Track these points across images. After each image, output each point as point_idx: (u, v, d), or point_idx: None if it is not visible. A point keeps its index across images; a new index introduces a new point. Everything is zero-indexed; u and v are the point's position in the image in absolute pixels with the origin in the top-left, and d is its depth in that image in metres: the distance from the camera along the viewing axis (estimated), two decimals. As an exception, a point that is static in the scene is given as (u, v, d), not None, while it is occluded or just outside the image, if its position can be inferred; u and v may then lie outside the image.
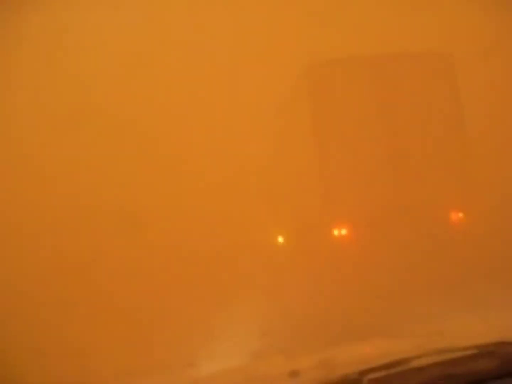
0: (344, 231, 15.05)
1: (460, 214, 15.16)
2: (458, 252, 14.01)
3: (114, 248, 15.00)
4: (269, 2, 16.23)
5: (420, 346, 4.87)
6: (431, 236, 14.55)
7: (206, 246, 15.33)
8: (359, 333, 8.90)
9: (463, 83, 15.48)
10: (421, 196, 14.90)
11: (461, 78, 15.51)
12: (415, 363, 4.51)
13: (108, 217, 15.60)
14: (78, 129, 16.18)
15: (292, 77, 16.08)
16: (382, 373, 4.59)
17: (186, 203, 16.21)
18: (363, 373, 4.64)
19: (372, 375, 4.58)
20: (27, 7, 15.31)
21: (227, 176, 16.31)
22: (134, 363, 8.89)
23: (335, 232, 15.12)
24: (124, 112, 16.70)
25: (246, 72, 16.43)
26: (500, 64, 15.82)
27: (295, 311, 12.32)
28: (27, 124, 16.16)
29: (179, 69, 16.92)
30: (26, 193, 15.78)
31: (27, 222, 15.35)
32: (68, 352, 9.85)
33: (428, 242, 14.36)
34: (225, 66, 16.50)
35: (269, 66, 16.29)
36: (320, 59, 15.61)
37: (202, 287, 13.36)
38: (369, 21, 16.16)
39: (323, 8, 15.60)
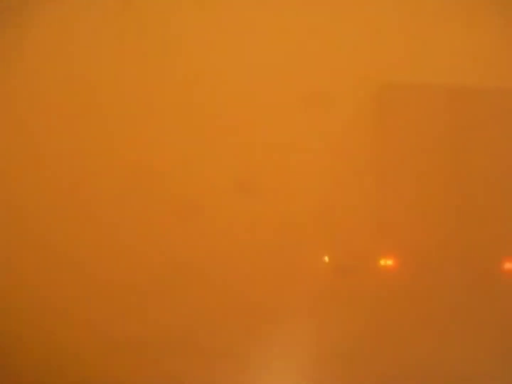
0: (393, 265, 14.44)
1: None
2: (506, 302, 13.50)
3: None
4: (343, 20, 15.58)
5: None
6: (482, 283, 13.99)
7: (254, 271, 14.88)
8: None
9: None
10: (477, 242, 14.20)
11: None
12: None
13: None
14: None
15: (360, 98, 15.42)
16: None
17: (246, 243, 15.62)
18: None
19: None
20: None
21: (281, 195, 15.72)
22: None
23: (384, 265, 14.52)
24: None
25: (313, 88, 15.78)
26: None
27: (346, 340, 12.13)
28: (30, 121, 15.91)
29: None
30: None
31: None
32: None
33: (478, 289, 13.84)
34: (295, 82, 15.87)
35: (339, 84, 15.62)
36: (392, 82, 14.94)
37: (247, 315, 13.09)
38: (450, 49, 15.34)
39: (400, 30, 14.92)
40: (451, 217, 14.40)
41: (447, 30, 14.99)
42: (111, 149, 15.47)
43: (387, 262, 14.42)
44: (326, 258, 15.89)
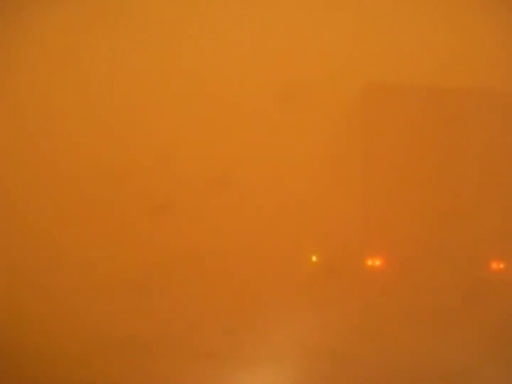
0: (381, 264, 14.48)
1: (495, 268, 14.57)
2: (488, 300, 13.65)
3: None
4: (332, 22, 15.66)
5: None
6: (469, 282, 14.12)
7: (251, 268, 14.89)
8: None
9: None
10: (464, 241, 14.30)
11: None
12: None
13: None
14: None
15: (347, 99, 15.53)
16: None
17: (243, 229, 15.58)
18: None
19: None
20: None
21: (273, 197, 15.70)
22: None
23: (372, 264, 14.56)
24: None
25: (299, 87, 15.86)
26: None
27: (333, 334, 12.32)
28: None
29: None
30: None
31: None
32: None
33: (466, 287, 13.97)
34: (284, 87, 15.97)
35: (324, 84, 15.70)
36: (377, 82, 15.03)
37: (228, 316, 13.19)
38: (435, 50, 15.49)
39: (385, 32, 15.01)
40: (438, 216, 14.48)
41: (432, 32, 15.13)
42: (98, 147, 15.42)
43: (375, 261, 14.46)
44: (313, 257, 15.87)
